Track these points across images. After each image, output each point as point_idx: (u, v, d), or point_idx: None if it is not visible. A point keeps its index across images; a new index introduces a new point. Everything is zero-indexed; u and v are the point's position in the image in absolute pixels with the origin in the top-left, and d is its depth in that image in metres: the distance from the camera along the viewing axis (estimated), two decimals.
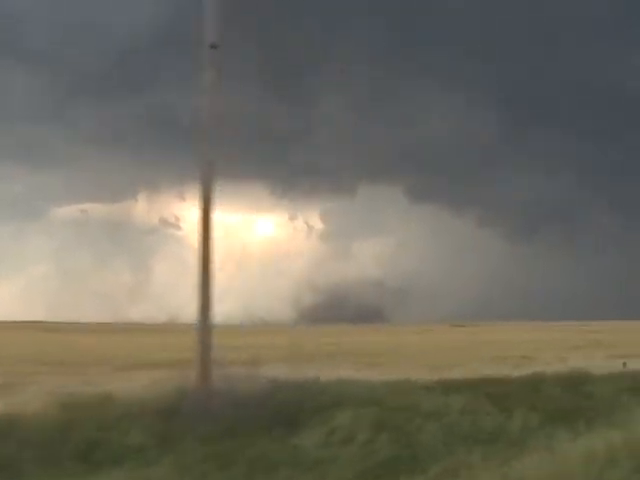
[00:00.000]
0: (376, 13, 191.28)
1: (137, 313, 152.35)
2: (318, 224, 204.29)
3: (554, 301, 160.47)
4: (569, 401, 14.11)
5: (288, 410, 11.33)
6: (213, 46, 13.50)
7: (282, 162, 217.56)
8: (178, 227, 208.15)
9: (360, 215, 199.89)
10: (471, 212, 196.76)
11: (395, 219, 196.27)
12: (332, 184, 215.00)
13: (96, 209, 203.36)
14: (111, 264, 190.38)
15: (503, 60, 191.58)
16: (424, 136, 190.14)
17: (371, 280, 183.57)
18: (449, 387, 14.71)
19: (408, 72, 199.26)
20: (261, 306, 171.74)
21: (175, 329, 70.50)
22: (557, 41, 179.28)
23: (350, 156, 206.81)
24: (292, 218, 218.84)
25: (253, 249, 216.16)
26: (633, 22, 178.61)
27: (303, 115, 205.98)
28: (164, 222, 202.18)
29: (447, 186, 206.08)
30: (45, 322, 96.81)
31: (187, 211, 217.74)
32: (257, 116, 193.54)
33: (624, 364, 22.02)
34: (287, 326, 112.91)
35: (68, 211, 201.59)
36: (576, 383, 16.13)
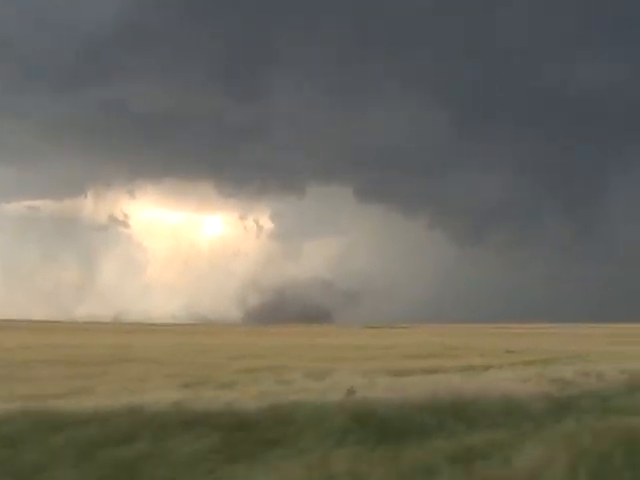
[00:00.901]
0: (333, 14, 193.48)
1: (83, 311, 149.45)
2: (268, 224, 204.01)
3: (499, 302, 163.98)
4: None
5: None
6: None
7: (232, 161, 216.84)
8: (127, 225, 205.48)
9: (310, 215, 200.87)
10: (422, 214, 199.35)
11: (345, 220, 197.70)
12: (282, 183, 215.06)
13: (45, 205, 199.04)
14: (58, 262, 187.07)
15: (454, 62, 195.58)
16: (376, 137, 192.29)
17: (320, 280, 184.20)
18: None
19: (362, 73, 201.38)
20: (206, 306, 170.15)
21: (120, 329, 68.67)
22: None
23: (301, 156, 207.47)
24: (242, 217, 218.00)
25: (202, 248, 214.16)
26: (575, 26, 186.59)
27: (255, 114, 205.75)
28: (113, 219, 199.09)
29: (398, 187, 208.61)
30: None
31: (136, 208, 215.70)
32: (209, 114, 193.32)
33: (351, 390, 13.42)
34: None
35: (17, 207, 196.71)
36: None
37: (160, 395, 12.46)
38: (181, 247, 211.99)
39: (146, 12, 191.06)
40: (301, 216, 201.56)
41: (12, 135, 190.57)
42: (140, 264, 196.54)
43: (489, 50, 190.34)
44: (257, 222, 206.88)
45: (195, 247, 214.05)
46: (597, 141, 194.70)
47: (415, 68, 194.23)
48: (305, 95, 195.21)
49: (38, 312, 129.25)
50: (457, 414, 10.38)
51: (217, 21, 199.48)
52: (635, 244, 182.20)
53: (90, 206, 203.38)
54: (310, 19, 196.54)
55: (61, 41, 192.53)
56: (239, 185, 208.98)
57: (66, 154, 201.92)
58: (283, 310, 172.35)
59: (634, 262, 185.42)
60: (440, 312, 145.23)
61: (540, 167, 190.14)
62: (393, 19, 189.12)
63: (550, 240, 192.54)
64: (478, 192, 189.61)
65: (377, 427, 9.19)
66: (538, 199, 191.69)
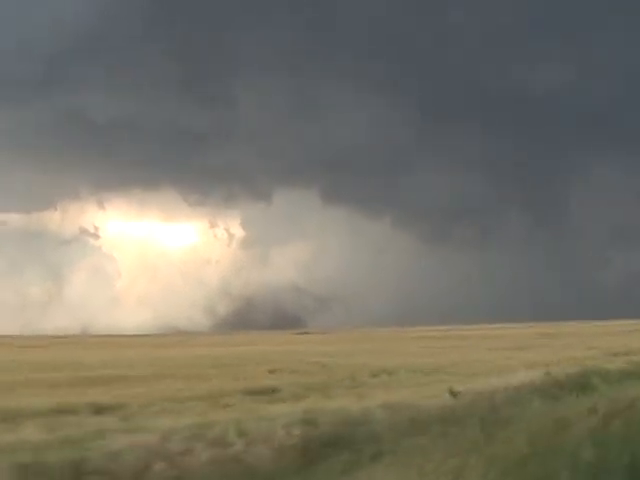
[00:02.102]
0: (293, 15, 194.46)
1: (50, 325, 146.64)
2: (239, 231, 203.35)
3: (465, 303, 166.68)
4: None
5: None
6: None
7: (196, 169, 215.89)
8: (97, 237, 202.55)
9: (278, 221, 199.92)
10: (386, 214, 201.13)
11: (312, 223, 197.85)
12: (249, 190, 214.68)
13: (13, 219, 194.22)
14: (27, 275, 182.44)
15: (417, 63, 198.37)
16: (338, 138, 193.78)
17: (291, 286, 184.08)
18: None
19: (325, 75, 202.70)
20: (176, 315, 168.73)
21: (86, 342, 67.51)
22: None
23: (266, 160, 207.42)
24: (212, 225, 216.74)
25: (172, 258, 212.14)
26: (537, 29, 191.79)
27: (218, 120, 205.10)
28: (84, 231, 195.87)
29: (362, 188, 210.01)
30: None
31: (105, 220, 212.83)
32: (171, 121, 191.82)
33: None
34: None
35: None
36: None
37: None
38: (151, 257, 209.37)
39: (106, 21, 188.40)
40: (271, 222, 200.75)
41: None
42: (110, 276, 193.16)
43: (449, 49, 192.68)
44: (228, 230, 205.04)
45: (165, 257, 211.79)
46: (552, 140, 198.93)
47: (376, 68, 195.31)
48: (266, 100, 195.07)
49: (3, 327, 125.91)
50: None
51: (177, 26, 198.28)
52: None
53: (60, 219, 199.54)
54: (265, 18, 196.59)
55: (20, 51, 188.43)
56: (205, 193, 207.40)
57: (32, 166, 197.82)
58: (254, 318, 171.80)
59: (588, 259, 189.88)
60: (410, 314, 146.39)
61: (504, 166, 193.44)
62: (349, 23, 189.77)
63: (513, 238, 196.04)
64: (441, 191, 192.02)
65: None
66: (502, 198, 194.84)
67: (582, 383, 17.04)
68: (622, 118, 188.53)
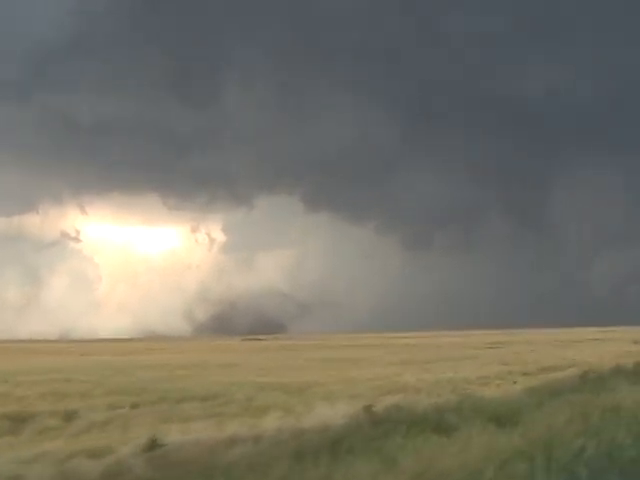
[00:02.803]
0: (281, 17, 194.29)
1: (27, 329, 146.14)
2: (220, 236, 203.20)
3: (447, 309, 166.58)
4: None
5: None
6: None
7: (177, 173, 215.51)
8: (78, 240, 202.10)
9: (261, 226, 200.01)
10: (369, 220, 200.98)
11: (294, 229, 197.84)
12: (230, 195, 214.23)
13: None
14: (5, 277, 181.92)
15: (401, 68, 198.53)
16: (322, 144, 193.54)
17: (273, 292, 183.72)
18: None
19: (311, 78, 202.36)
20: (155, 320, 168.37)
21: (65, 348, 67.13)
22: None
23: (247, 165, 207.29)
24: (194, 230, 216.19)
25: (153, 262, 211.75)
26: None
27: (202, 123, 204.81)
28: (65, 235, 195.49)
29: (345, 194, 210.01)
30: None
31: (87, 224, 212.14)
32: (156, 123, 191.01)
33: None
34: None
35: None
36: None
37: None
38: (132, 262, 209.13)
39: (90, 20, 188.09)
40: (252, 227, 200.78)
41: None
42: (90, 280, 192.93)
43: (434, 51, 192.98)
44: (209, 235, 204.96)
45: (146, 261, 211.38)
46: (537, 143, 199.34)
47: (357, 73, 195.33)
48: (251, 104, 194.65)
49: None
50: None
51: (161, 28, 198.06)
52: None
53: (41, 222, 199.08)
54: (254, 23, 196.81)
55: (2, 51, 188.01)
56: (186, 198, 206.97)
57: (13, 168, 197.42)
58: (235, 323, 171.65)
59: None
60: (392, 320, 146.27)
61: (487, 171, 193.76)
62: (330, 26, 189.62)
63: (496, 243, 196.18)
64: (424, 197, 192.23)
65: None
66: (485, 202, 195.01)
67: (415, 423, 11.33)
68: (607, 118, 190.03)
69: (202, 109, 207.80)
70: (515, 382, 21.34)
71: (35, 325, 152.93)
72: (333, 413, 12.16)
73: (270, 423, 11.51)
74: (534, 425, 11.31)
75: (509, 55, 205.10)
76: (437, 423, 11.62)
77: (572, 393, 15.62)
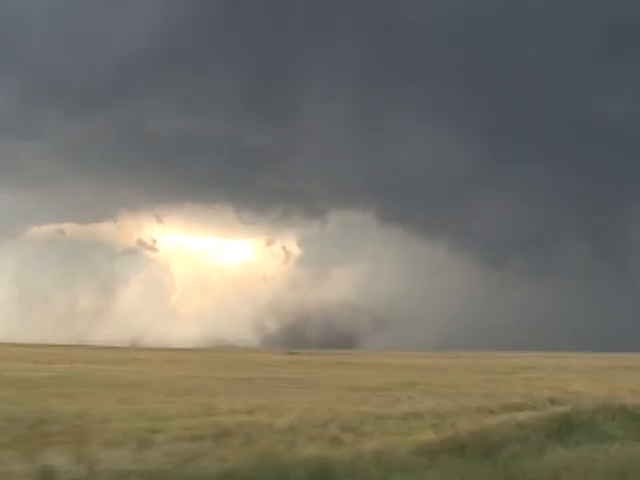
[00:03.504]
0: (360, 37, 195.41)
1: (100, 336, 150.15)
2: (295, 250, 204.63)
3: (520, 330, 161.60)
4: None
5: None
6: None
7: (251, 187, 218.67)
8: (154, 249, 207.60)
9: (335, 241, 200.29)
10: (442, 238, 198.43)
11: (368, 244, 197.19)
12: (304, 209, 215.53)
13: (74, 229, 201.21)
14: (81, 284, 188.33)
15: (475, 92, 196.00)
16: (395, 162, 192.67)
17: (345, 305, 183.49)
18: None
19: (390, 95, 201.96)
20: (226, 330, 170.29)
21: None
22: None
23: (322, 180, 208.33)
24: (269, 243, 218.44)
25: (227, 274, 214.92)
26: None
27: (281, 139, 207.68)
28: (142, 244, 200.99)
29: (419, 212, 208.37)
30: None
31: (163, 233, 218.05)
32: (228, 138, 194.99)
33: None
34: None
35: (45, 231, 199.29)
36: None
37: None
38: (206, 272, 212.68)
39: (170, 36, 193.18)
40: (326, 242, 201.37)
41: (35, 158, 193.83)
42: (165, 289, 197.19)
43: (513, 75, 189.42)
44: (284, 248, 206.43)
45: (220, 272, 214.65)
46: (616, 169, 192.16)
47: (437, 95, 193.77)
48: (330, 122, 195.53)
49: (53, 336, 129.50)
50: None
51: (239, 45, 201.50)
52: None
53: (118, 230, 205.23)
54: (332, 43, 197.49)
55: (85, 65, 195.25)
56: (260, 212, 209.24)
57: (92, 177, 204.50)
58: (306, 336, 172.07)
59: None
60: (464, 339, 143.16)
61: (563, 195, 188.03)
62: (413, 46, 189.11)
63: (571, 268, 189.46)
64: (497, 218, 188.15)
65: None
66: (560, 227, 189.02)
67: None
68: None
69: (280, 125, 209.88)
70: None
71: (108, 332, 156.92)
72: None
73: None
74: None
75: (588, 77, 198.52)
76: None
77: None
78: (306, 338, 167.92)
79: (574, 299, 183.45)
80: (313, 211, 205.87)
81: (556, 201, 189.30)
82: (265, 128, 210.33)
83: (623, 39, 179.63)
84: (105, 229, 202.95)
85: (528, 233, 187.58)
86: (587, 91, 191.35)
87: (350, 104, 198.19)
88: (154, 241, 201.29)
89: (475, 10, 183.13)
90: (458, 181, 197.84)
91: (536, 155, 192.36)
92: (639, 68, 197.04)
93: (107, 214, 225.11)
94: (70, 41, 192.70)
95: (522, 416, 17.01)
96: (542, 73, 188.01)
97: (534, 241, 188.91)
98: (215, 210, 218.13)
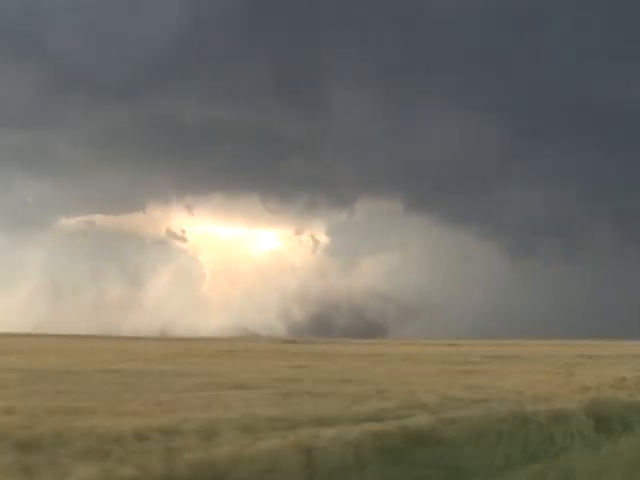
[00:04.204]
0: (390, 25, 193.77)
1: (129, 325, 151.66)
2: (324, 239, 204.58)
3: (549, 317, 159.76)
4: None
5: None
6: None
7: (281, 176, 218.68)
8: (184, 240, 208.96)
9: (363, 229, 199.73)
10: (471, 226, 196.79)
11: (396, 233, 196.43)
12: (331, 199, 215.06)
13: (104, 220, 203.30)
14: (111, 275, 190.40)
15: (505, 79, 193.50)
16: (426, 147, 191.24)
17: (374, 294, 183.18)
18: None
19: (413, 88, 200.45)
20: (253, 319, 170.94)
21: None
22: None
23: (349, 169, 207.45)
24: (298, 232, 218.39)
25: (256, 263, 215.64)
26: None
27: (310, 128, 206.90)
28: (171, 234, 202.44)
29: (447, 200, 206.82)
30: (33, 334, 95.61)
31: (192, 223, 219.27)
32: (266, 127, 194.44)
33: None
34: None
35: (75, 222, 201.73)
36: None
37: None
38: (234, 261, 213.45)
39: (199, 26, 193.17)
40: (355, 231, 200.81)
41: (64, 151, 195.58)
42: (194, 278, 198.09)
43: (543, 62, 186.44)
44: (313, 237, 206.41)
45: (249, 261, 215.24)
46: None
47: (466, 82, 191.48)
48: (360, 112, 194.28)
49: (83, 326, 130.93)
50: None
51: (269, 32, 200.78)
52: None
53: (147, 221, 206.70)
54: (364, 33, 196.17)
55: (109, 54, 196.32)
56: (287, 200, 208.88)
57: (122, 168, 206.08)
58: (333, 324, 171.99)
59: None
60: (495, 326, 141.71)
61: (592, 181, 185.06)
62: (447, 32, 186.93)
63: (600, 254, 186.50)
64: (527, 205, 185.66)
65: None
66: (589, 213, 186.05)
67: None
68: None
69: (309, 113, 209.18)
70: None
71: (138, 321, 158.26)
72: None
73: None
74: None
75: (622, 61, 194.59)
76: None
77: None
78: (333, 326, 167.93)
79: (606, 285, 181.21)
80: (341, 200, 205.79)
81: (587, 186, 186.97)
82: (294, 117, 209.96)
83: None
84: (134, 220, 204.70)
85: (559, 217, 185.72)
86: (620, 75, 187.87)
87: (379, 90, 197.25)
88: (183, 231, 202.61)
89: None
90: (488, 167, 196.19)
91: (567, 140, 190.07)
92: None
93: (136, 205, 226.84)
94: (101, 32, 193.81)
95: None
96: (575, 57, 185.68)
97: (564, 226, 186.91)
98: (244, 200, 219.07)
